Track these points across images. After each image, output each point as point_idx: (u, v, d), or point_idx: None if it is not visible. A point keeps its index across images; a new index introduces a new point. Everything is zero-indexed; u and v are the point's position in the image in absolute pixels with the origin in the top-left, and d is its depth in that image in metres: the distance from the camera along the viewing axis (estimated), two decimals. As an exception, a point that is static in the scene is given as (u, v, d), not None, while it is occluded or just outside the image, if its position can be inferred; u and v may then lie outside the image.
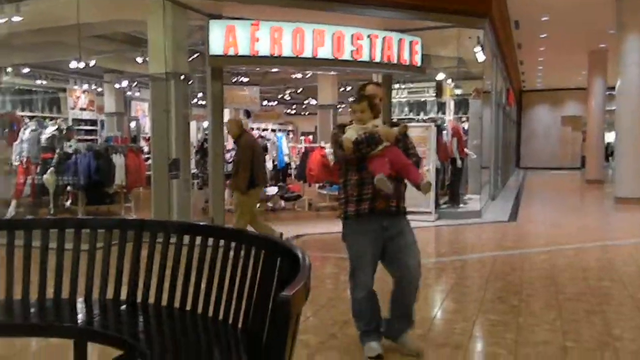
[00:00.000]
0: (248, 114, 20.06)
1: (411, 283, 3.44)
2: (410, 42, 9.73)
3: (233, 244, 2.90)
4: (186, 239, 3.18)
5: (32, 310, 3.07)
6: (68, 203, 10.15)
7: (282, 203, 11.29)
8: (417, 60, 9.91)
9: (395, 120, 4.48)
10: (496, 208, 11.64)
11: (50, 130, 9.48)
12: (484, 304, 4.80)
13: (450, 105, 12.28)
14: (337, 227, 8.96)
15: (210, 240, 3.07)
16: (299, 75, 16.51)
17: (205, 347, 2.60)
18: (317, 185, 12.06)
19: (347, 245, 3.54)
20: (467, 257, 7.17)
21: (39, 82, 14.75)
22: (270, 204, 11.20)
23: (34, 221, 3.55)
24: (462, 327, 4.15)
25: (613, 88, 13.99)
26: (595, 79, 18.31)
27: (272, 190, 11.18)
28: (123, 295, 3.21)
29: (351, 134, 3.37)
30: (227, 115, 13.15)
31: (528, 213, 11.11)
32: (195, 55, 9.59)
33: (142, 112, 17.83)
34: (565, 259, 6.72)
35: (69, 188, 9.61)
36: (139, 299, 3.17)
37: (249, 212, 6.90)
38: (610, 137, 18.86)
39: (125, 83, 15.56)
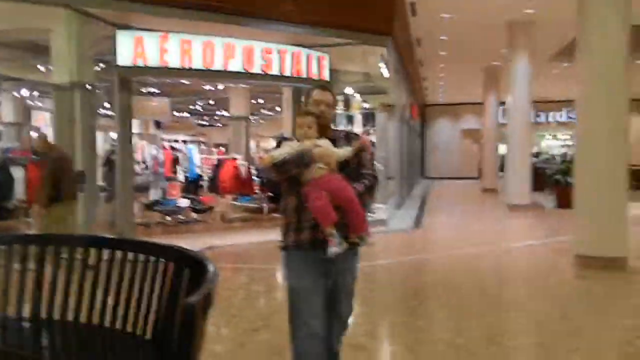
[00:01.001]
0: (158, 125, 19.68)
1: (340, 333, 3.02)
2: (318, 58, 10.07)
3: (141, 256, 2.97)
4: (93, 252, 3.20)
5: None
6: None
7: (194, 215, 11.20)
8: (325, 75, 10.27)
9: (349, 131, 3.79)
10: (401, 217, 12.20)
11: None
12: (387, 306, 5.10)
13: (358, 119, 12.75)
14: (248, 238, 9.10)
15: (118, 254, 3.11)
16: (211, 87, 16.44)
17: (112, 358, 2.64)
18: (229, 196, 12.08)
19: (286, 281, 2.91)
20: (373, 263, 7.52)
21: None
22: (181, 217, 11.07)
23: None
24: (365, 329, 4.40)
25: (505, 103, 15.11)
26: (490, 95, 19.67)
27: (183, 202, 11.07)
28: (26, 312, 3.16)
29: (281, 152, 2.81)
30: (136, 127, 12.88)
31: (431, 221, 11.75)
32: (103, 66, 9.36)
33: (44, 122, 16.98)
34: (461, 262, 7.23)
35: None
36: (43, 315, 3.14)
37: (57, 224, 6.94)
38: (504, 149, 20.31)
39: (25, 92, 14.78)
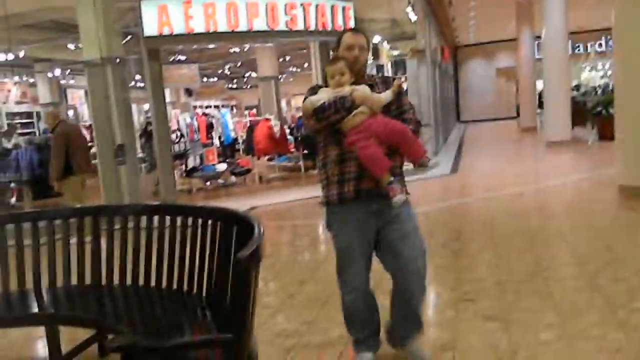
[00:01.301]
0: (189, 92, 19.87)
1: (410, 278, 2.73)
2: (343, 8, 9.90)
3: (190, 219, 3.10)
4: (144, 220, 3.35)
5: (0, 302, 3.19)
6: (13, 200, 9.96)
7: (233, 178, 11.41)
8: (352, 25, 10.11)
9: (386, 76, 3.70)
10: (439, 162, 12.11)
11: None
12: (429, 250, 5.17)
13: (388, 67, 12.58)
14: (287, 196, 9.25)
15: (167, 219, 3.26)
16: (237, 49, 16.42)
17: (172, 316, 2.81)
18: (265, 157, 12.23)
19: (332, 237, 2.81)
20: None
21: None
22: (221, 180, 11.31)
23: None
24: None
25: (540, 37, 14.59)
26: (524, 29, 18.98)
27: (221, 166, 11.28)
28: (87, 280, 3.37)
29: (318, 97, 2.63)
30: (168, 96, 13.04)
31: (469, 164, 11.66)
32: (129, 38, 9.46)
33: (79, 100, 17.37)
34: (502, 203, 7.21)
35: (12, 184, 9.44)
36: (103, 282, 3.34)
37: (75, 199, 7.15)
38: (541, 85, 19.73)
39: (58, 71, 15.10)
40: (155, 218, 3.27)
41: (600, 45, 25.45)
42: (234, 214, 2.72)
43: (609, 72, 24.44)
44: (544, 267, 4.32)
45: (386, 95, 2.68)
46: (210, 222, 2.93)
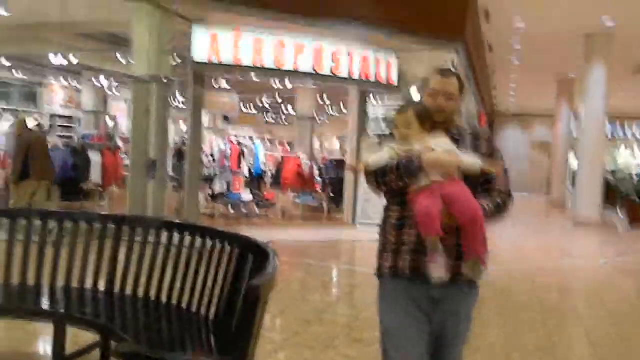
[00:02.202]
0: (227, 119, 20.28)
1: None
2: (387, 62, 10.11)
3: (209, 241, 3.15)
4: (164, 236, 3.42)
5: (15, 294, 3.27)
6: (42, 198, 10.19)
7: (256, 209, 11.50)
8: (394, 78, 10.30)
9: (478, 130, 2.59)
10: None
11: (29, 124, 9.54)
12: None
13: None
14: (307, 235, 9.27)
15: (187, 238, 3.32)
16: (279, 85, 16.80)
17: (177, 332, 2.84)
18: (291, 193, 12.32)
19: (380, 320, 2.27)
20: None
21: (17, 75, 14.76)
22: (244, 210, 11.40)
23: (18, 211, 3.73)
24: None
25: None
26: (562, 106, 19.01)
27: (247, 196, 11.40)
28: (101, 285, 3.43)
29: (380, 156, 2.14)
30: (205, 120, 13.35)
31: (493, 233, 11.52)
32: (179, 61, 9.79)
33: (119, 112, 17.87)
34: (522, 276, 7.09)
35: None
36: (116, 289, 3.39)
37: (20, 201, 7.57)
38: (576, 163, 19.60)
39: (105, 81, 15.63)
40: (176, 235, 3.34)
41: (640, 130, 25.28)
42: (252, 242, 2.77)
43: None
44: (554, 344, 4.22)
45: (472, 161, 2.09)
46: (228, 246, 2.98)
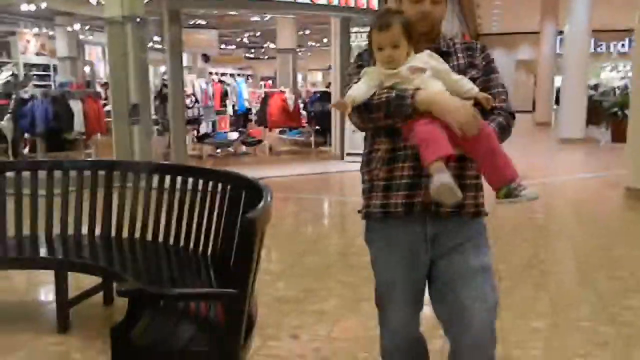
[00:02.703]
0: (206, 58, 19.84)
1: (474, 346, 1.80)
2: (367, -14, 9.86)
3: (201, 181, 3.18)
4: (155, 179, 3.44)
5: (14, 245, 3.31)
6: (26, 150, 10.09)
7: (244, 148, 11.49)
8: (374, 3, 10.06)
9: (470, 42, 1.91)
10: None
11: (4, 75, 9.31)
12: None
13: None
14: (296, 170, 9.33)
15: (179, 180, 3.34)
16: (258, 19, 16.35)
17: (177, 270, 2.91)
18: (277, 130, 12.28)
19: (370, 259, 1.97)
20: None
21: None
22: (231, 149, 11.39)
23: (6, 164, 3.71)
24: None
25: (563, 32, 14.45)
26: (547, 23, 18.78)
27: (233, 135, 11.35)
28: (97, 231, 3.47)
29: (359, 90, 1.73)
30: (185, 60, 13.06)
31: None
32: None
33: (96, 57, 17.41)
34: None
35: (26, 135, 9.55)
36: (113, 234, 3.45)
37: None
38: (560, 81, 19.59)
39: (78, 26, 15.10)
40: (167, 178, 3.36)
41: (623, 45, 25.12)
42: (245, 179, 2.80)
43: (629, 74, 24.15)
44: (541, 260, 4.39)
45: (469, 85, 1.73)
46: (220, 185, 3.01)
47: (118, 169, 3.53)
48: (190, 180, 3.23)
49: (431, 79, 1.69)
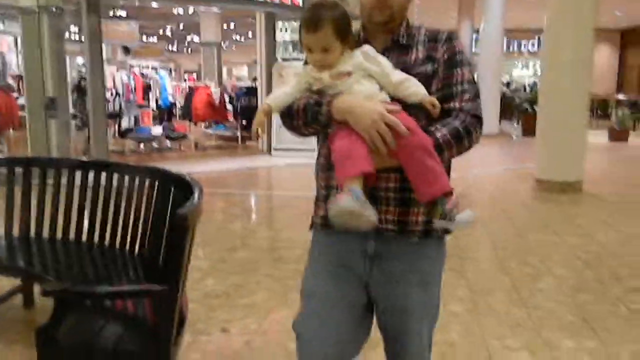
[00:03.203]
0: (127, 50, 19.18)
1: None
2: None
3: (126, 177, 3.12)
4: (77, 176, 3.33)
5: None
6: None
7: (168, 143, 11.24)
8: (299, 0, 10.13)
9: (437, 30, 1.59)
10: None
11: None
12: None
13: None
14: (222, 165, 9.26)
15: (103, 176, 3.25)
16: (181, 11, 15.99)
17: (102, 269, 2.86)
18: (202, 124, 12.10)
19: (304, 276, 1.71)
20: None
21: None
22: (155, 144, 11.12)
23: None
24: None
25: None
26: (464, 22, 19.56)
27: (157, 129, 11.08)
28: (15, 231, 3.32)
29: (280, 94, 1.55)
30: (104, 52, 12.59)
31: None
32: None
33: (7, 47, 16.39)
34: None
35: None
36: (31, 234, 3.31)
37: None
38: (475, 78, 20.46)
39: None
40: (91, 174, 3.26)
41: (533, 45, 26.64)
42: (173, 174, 2.78)
43: (538, 72, 25.67)
44: (461, 248, 4.63)
45: (409, 92, 1.46)
46: (147, 181, 2.96)
47: (36, 165, 3.39)
48: (116, 176, 3.16)
49: (361, 82, 1.46)
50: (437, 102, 1.46)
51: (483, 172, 8.90)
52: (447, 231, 1.59)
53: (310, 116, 1.49)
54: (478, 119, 1.49)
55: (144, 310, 2.29)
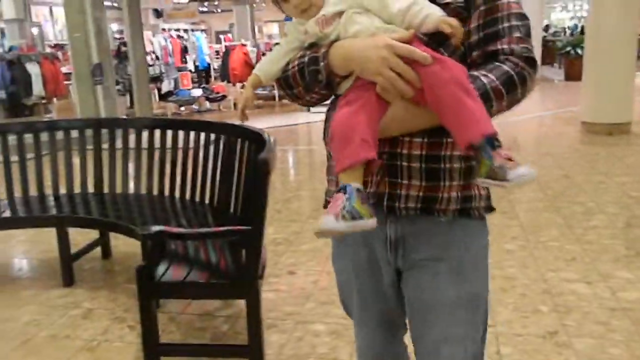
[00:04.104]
0: (158, 14, 19.29)
1: None
2: None
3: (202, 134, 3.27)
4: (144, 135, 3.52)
5: (11, 205, 3.39)
6: (-16, 117, 9.81)
7: (208, 104, 11.45)
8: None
9: None
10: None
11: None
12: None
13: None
14: (262, 123, 9.41)
15: (169, 134, 3.43)
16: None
17: (182, 217, 3.06)
18: (240, 84, 12.23)
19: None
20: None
21: None
22: (195, 106, 11.34)
23: (7, 125, 3.73)
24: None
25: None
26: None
27: (196, 91, 11.28)
28: (90, 188, 3.56)
29: (270, 58, 1.23)
30: (144, 17, 12.74)
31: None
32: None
33: (43, 18, 16.70)
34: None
35: (-17, 101, 9.27)
36: (106, 190, 3.54)
37: None
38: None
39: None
40: (157, 132, 3.45)
41: (573, -15, 25.57)
42: (242, 128, 2.91)
43: (579, 14, 24.73)
44: (509, 191, 4.71)
45: (419, 18, 1.08)
46: (220, 137, 3.10)
47: (107, 126, 3.60)
48: (182, 133, 3.33)
49: (356, 20, 1.09)
50: (456, 23, 1.05)
51: (527, 117, 8.83)
52: (489, 207, 1.26)
53: (309, 78, 1.15)
54: (533, 62, 1.15)
55: (225, 254, 2.48)
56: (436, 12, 1.07)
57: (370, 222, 1.04)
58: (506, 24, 1.15)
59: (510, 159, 1.03)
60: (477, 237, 1.27)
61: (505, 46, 1.14)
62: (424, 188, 1.16)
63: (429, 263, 1.23)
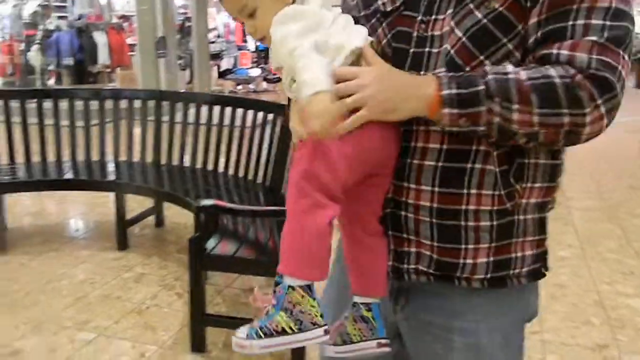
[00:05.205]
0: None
1: None
2: None
3: (251, 112, 3.31)
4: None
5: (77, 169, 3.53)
6: (51, 82, 10.20)
7: (265, 84, 11.53)
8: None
9: None
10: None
11: (32, 5, 9.33)
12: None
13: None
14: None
15: (229, 110, 3.47)
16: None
17: (235, 194, 3.11)
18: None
19: None
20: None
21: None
22: (252, 86, 11.44)
23: (75, 91, 3.87)
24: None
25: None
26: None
27: (255, 71, 11.37)
28: (148, 158, 3.65)
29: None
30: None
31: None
32: None
33: (113, -12, 17.14)
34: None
35: (51, 67, 9.64)
36: (163, 161, 3.62)
37: None
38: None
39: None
40: (216, 109, 3.49)
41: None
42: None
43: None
44: (568, 197, 4.56)
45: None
46: (271, 115, 3.13)
47: (169, 99, 3.67)
48: (240, 111, 3.36)
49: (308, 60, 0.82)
50: (371, 53, 0.84)
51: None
52: (539, 271, 0.98)
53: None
54: (604, 85, 0.77)
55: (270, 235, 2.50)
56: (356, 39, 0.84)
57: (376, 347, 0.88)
58: (580, 21, 0.77)
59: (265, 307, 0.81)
60: (512, 310, 0.95)
61: (564, 51, 0.76)
62: (437, 250, 0.89)
63: (441, 333, 0.94)
